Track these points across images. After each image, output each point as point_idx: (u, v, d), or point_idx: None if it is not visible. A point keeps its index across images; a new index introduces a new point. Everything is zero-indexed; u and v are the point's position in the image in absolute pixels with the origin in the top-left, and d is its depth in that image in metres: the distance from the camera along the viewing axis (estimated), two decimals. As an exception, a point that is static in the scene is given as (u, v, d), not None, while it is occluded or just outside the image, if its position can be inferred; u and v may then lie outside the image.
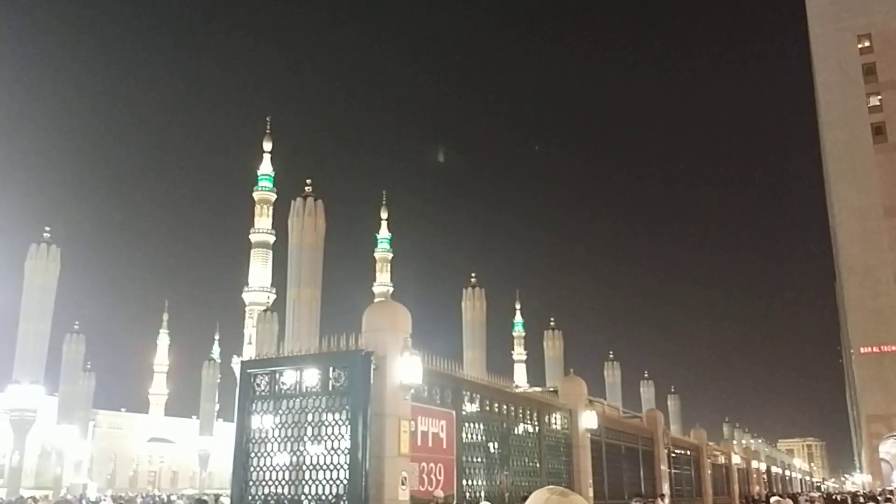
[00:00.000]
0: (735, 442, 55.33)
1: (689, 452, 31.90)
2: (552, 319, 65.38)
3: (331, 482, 11.66)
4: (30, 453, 52.65)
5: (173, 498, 41.51)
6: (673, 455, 28.67)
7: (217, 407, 76.07)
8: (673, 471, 28.21)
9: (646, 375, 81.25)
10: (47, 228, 44.71)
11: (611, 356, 74.39)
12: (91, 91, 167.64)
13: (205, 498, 21.00)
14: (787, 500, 27.09)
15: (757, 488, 45.60)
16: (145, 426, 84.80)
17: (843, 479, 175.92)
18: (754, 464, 47.66)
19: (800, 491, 69.27)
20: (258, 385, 12.80)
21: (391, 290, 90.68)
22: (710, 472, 33.65)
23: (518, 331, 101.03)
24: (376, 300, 74.09)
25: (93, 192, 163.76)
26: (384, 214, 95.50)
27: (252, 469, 12.41)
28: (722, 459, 38.05)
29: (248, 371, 13.12)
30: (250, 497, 12.09)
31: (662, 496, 24.22)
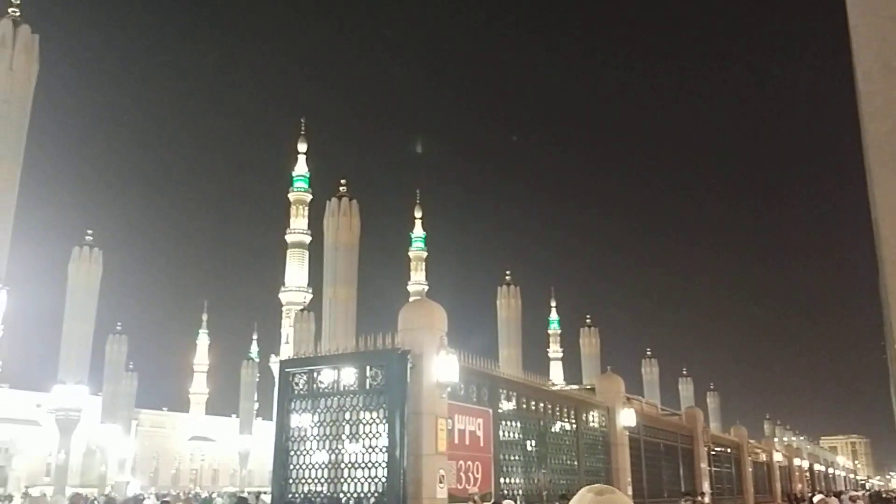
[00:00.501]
0: (776, 439, 54.54)
1: (729, 450, 31.50)
2: (588, 317, 65.06)
3: (369, 480, 11.75)
4: (75, 452, 53.83)
5: (214, 496, 42.15)
6: (713, 453, 28.32)
7: (256, 406, 77.00)
8: (713, 469, 27.87)
9: (684, 372, 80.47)
10: (89, 232, 45.73)
11: (648, 353, 73.78)
12: (129, 96, 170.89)
13: (245, 496, 21.32)
14: (833, 498, 26.61)
15: (799, 486, 44.85)
16: (186, 425, 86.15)
17: (888, 476, 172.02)
18: (796, 461, 46.87)
19: (843, 489, 67.95)
20: (296, 384, 12.95)
21: (426, 288, 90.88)
22: (751, 469, 33.18)
23: (554, 328, 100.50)
24: (411, 299, 74.35)
25: (133, 196, 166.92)
26: (418, 213, 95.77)
27: (292, 467, 12.56)
28: (763, 457, 37.49)
29: (287, 370, 13.29)
30: (290, 495, 12.23)
31: (703, 494, 23.94)
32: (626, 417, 19.46)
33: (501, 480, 14.04)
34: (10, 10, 23.26)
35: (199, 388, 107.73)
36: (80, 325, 43.37)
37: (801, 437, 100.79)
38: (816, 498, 23.52)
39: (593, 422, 18.65)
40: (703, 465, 26.34)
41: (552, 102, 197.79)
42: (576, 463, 17.19)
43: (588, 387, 22.47)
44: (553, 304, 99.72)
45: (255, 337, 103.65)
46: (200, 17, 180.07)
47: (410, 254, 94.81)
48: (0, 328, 33.30)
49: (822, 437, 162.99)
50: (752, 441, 35.98)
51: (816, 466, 60.26)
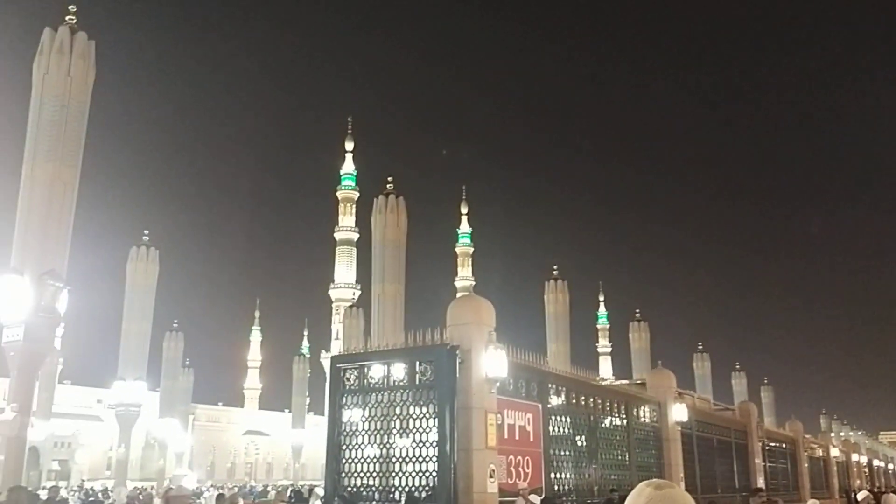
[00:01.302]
0: (833, 434, 53.11)
1: (784, 445, 30.90)
2: (637, 311, 64.30)
3: (419, 474, 11.89)
4: (135, 446, 55.34)
5: (269, 489, 42.96)
6: (768, 448, 27.83)
7: (307, 401, 78.14)
8: (768, 464, 27.38)
9: (737, 367, 78.94)
10: (146, 232, 46.89)
11: (699, 347, 72.59)
12: (182, 99, 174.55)
13: (301, 489, 21.76)
14: (891, 495, 25.94)
15: (858, 482, 43.69)
16: (241, 419, 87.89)
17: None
18: (854, 457, 45.70)
19: (906, 486, 65.87)
20: (347, 379, 13.16)
21: (473, 284, 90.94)
22: (807, 465, 32.50)
23: (602, 323, 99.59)
24: (459, 295, 74.47)
25: (188, 197, 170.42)
26: (464, 209, 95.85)
27: (344, 461, 12.78)
28: (820, 452, 36.67)
29: (338, 366, 13.51)
30: (343, 488, 12.44)
31: (757, 490, 23.56)
32: (678, 412, 19.27)
33: (552, 475, 14.06)
34: (66, 17, 23.94)
35: (252, 383, 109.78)
36: (139, 323, 44.51)
37: (859, 433, 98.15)
38: (861, 494, 22.89)
39: (644, 417, 18.51)
40: (758, 461, 25.90)
41: (601, 97, 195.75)
42: (627, 458, 17.10)
43: (638, 382, 22.30)
44: (601, 298, 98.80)
45: (305, 333, 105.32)
46: (251, 20, 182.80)
47: (457, 250, 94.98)
48: (62, 327, 34.46)
49: (882, 433, 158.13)
50: (807, 436, 35.19)
51: (875, 462, 58.61)
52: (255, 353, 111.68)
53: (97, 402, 68.97)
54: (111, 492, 38.45)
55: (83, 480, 47.76)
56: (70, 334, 59.16)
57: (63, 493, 25.53)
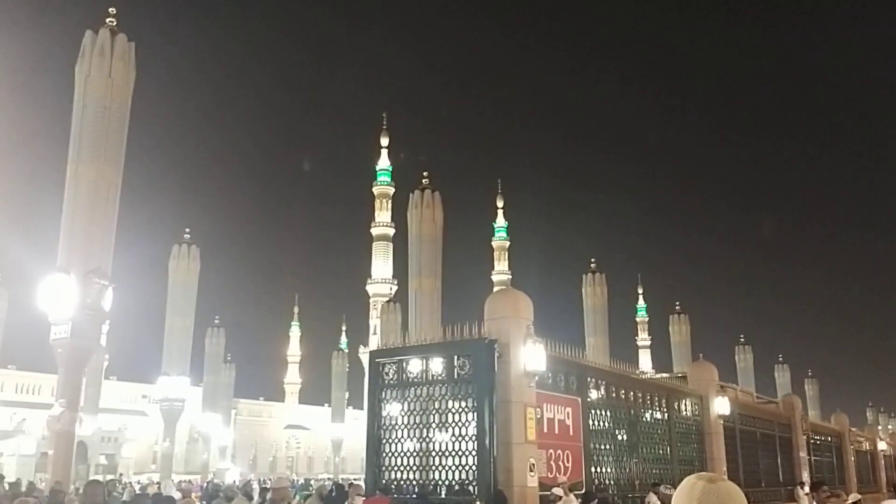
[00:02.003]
0: (880, 427, 52.00)
1: (829, 439, 30.36)
2: (677, 303, 63.47)
3: (459, 468, 11.92)
4: (179, 440, 56.37)
5: (311, 482, 43.44)
6: (812, 442, 27.36)
7: (346, 395, 78.74)
8: (813, 458, 26.92)
9: (780, 359, 77.59)
10: (187, 230, 47.58)
11: (741, 340, 71.48)
12: (220, 98, 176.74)
13: (342, 482, 21.96)
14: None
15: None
16: (282, 414, 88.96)
17: None
18: (904, 451, 44.66)
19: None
20: (386, 374, 13.24)
21: (509, 278, 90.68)
22: (853, 459, 31.86)
23: (641, 316, 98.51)
24: (495, 289, 74.29)
25: (227, 195, 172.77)
26: (500, 203, 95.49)
27: (384, 455, 12.87)
28: (866, 446, 35.93)
29: (377, 360, 13.60)
30: (384, 481, 12.53)
31: (802, 484, 23.16)
32: (721, 406, 19.04)
33: (592, 470, 13.98)
34: (107, 20, 24.33)
35: (292, 378, 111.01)
36: (181, 319, 45.22)
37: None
38: None
39: (686, 410, 18.32)
40: (803, 454, 25.48)
41: (639, 85, 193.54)
42: (668, 452, 16.94)
43: (679, 375, 22.07)
44: (640, 291, 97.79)
45: (343, 328, 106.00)
46: (289, 18, 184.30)
47: (493, 244, 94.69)
48: (107, 324, 35.19)
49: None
50: (853, 429, 34.51)
51: (927, 456, 57.18)
52: (294, 349, 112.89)
53: (142, 397, 70.40)
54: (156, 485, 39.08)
55: (120, 475, 48.73)
56: (115, 331, 60.51)
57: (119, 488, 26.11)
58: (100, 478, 47.03)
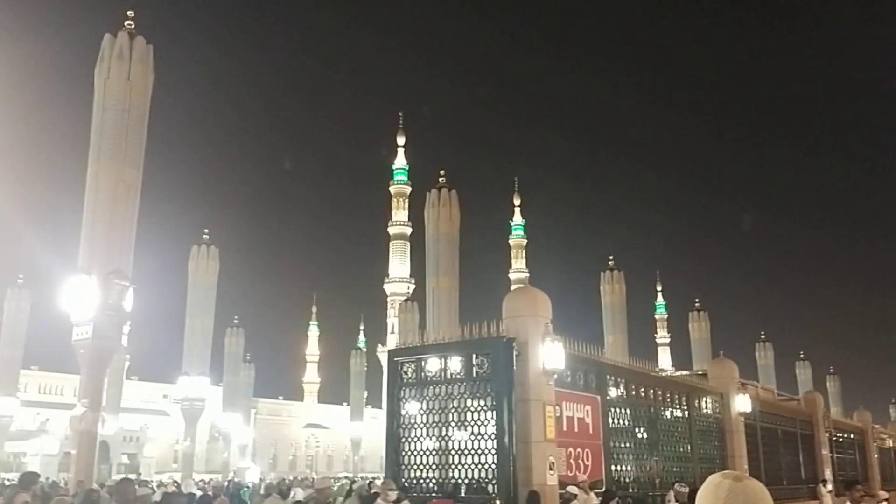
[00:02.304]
0: (905, 425, 51.26)
1: (852, 436, 30.06)
2: (697, 300, 63.09)
3: (479, 466, 11.92)
4: (200, 439, 56.80)
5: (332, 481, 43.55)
6: (835, 439, 27.09)
7: (365, 394, 79.02)
8: (835, 455, 26.67)
9: (801, 356, 76.84)
10: (206, 230, 47.94)
11: (762, 336, 70.94)
12: (236, 99, 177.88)
13: (362, 482, 22.12)
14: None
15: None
16: (301, 413, 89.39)
17: None
18: (929, 448, 44.08)
19: None
20: (405, 373, 13.26)
21: (527, 276, 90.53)
22: (876, 456, 31.53)
23: (660, 313, 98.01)
24: (513, 287, 74.24)
25: (245, 196, 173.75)
26: (517, 201, 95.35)
27: (403, 454, 12.89)
28: (890, 443, 35.52)
29: (395, 359, 13.62)
30: (403, 480, 12.56)
31: (824, 481, 22.96)
32: (742, 403, 18.91)
33: (612, 468, 13.93)
34: (125, 23, 24.54)
35: (311, 377, 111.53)
36: (201, 319, 45.57)
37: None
38: None
39: (706, 408, 18.21)
40: (825, 452, 25.24)
41: (656, 83, 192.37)
42: (689, 450, 16.85)
43: (699, 372, 21.95)
44: (659, 288, 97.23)
45: (361, 327, 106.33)
46: (303, 17, 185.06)
47: (511, 241, 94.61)
48: (128, 325, 35.50)
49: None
50: (877, 426, 34.12)
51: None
52: (313, 348, 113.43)
53: (163, 397, 70.97)
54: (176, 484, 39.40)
55: (139, 475, 49.22)
56: (136, 332, 60.91)
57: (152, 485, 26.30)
58: (133, 476, 47.58)
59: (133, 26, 24.52)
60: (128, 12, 24.71)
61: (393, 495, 9.80)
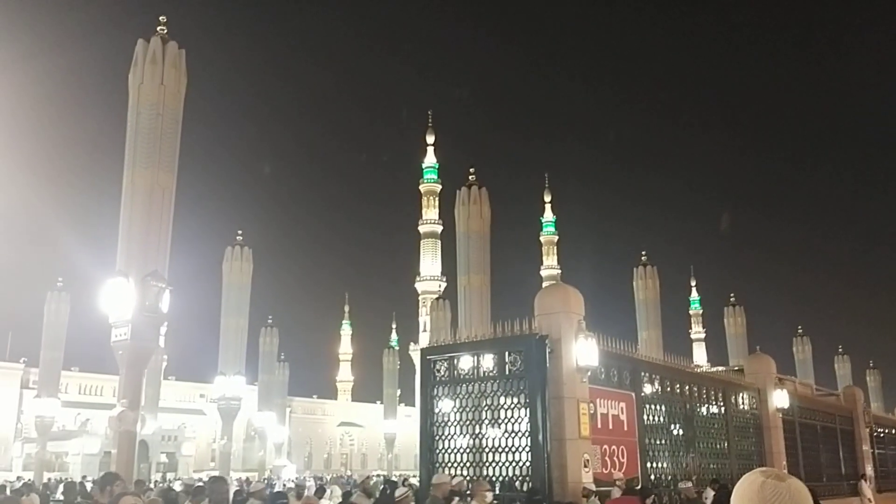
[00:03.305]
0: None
1: (894, 431, 29.47)
2: (732, 295, 62.24)
3: (512, 464, 11.91)
4: (236, 438, 57.48)
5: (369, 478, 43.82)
6: (876, 434, 26.59)
7: (398, 392, 79.36)
8: (877, 451, 26.17)
9: (840, 350, 75.42)
10: (240, 232, 48.43)
11: (799, 331, 69.72)
12: (268, 101, 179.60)
13: (394, 479, 22.21)
14: None
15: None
16: (335, 411, 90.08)
17: None
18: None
19: None
20: (438, 371, 13.30)
21: (559, 272, 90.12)
22: (921, 452, 30.85)
23: (695, 308, 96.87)
24: (545, 284, 73.93)
25: (277, 196, 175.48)
26: (547, 197, 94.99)
27: (437, 451, 12.93)
28: (934, 439, 34.72)
29: (428, 358, 13.66)
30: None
31: (865, 477, 22.55)
32: (779, 399, 18.65)
33: (648, 465, 13.83)
34: (158, 28, 24.86)
35: (344, 376, 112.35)
36: (236, 319, 46.06)
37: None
38: None
39: (743, 404, 18.00)
40: (866, 448, 24.79)
41: (692, 77, 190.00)
42: (726, 447, 16.66)
43: (735, 368, 21.69)
44: (693, 283, 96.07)
45: (394, 326, 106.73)
46: (333, 18, 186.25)
47: (542, 238, 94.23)
48: (165, 326, 36.00)
49: None
50: (921, 421, 33.38)
51: None
52: (346, 347, 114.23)
53: (200, 396, 72.03)
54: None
55: (163, 474, 49.92)
56: (173, 332, 62.07)
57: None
58: (157, 476, 48.38)
59: (165, 31, 24.82)
60: (160, 18, 25.04)
61: (489, 496, 9.73)
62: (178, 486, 25.38)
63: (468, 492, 10.55)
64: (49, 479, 36.03)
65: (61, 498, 26.48)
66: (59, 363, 51.33)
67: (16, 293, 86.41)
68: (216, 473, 47.64)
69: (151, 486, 27.99)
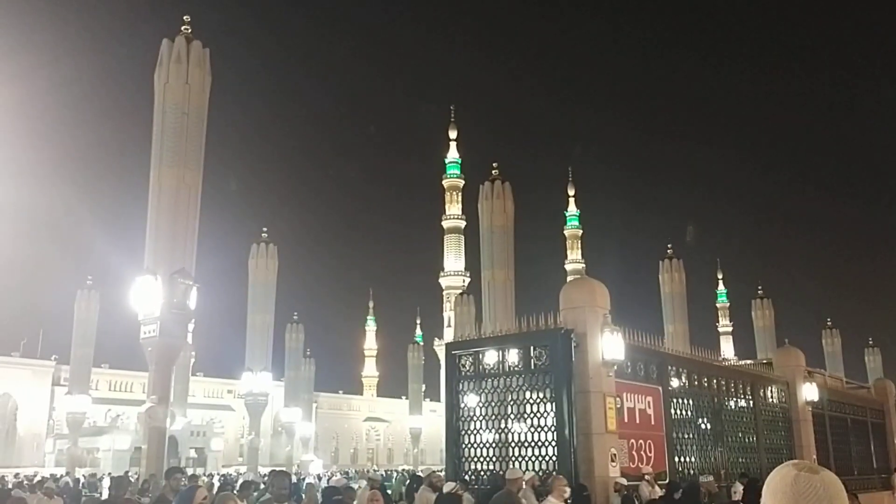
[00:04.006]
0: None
1: (928, 425, 28.95)
2: (760, 287, 61.57)
3: (539, 459, 11.89)
4: (264, 433, 58.01)
5: (393, 473, 44.06)
6: (909, 427, 26.15)
7: (423, 387, 79.58)
8: (910, 445, 25.75)
9: (870, 342, 74.28)
10: (265, 229, 48.80)
11: (829, 323, 68.79)
12: (293, 98, 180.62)
13: (419, 474, 22.25)
14: None
15: None
16: (361, 406, 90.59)
17: None
18: None
19: None
20: (463, 366, 13.31)
21: (583, 266, 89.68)
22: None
23: (722, 301, 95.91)
24: (569, 278, 73.60)
25: (302, 194, 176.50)
26: (571, 191, 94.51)
27: (463, 446, 12.95)
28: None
29: (453, 353, 13.68)
30: (463, 472, 12.61)
31: (898, 472, 22.20)
32: (809, 392, 18.44)
33: (675, 459, 13.74)
34: (182, 28, 25.07)
35: (370, 371, 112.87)
36: (262, 316, 46.46)
37: None
38: None
39: (772, 397, 17.82)
40: (899, 441, 24.43)
41: (716, 71, 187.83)
42: (755, 440, 16.51)
43: (764, 361, 21.49)
44: (720, 276, 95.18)
45: (418, 321, 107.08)
46: (356, 15, 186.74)
47: (566, 232, 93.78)
48: (193, 322, 36.40)
49: None
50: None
51: None
52: (371, 342, 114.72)
53: (227, 392, 72.74)
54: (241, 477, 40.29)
55: (184, 468, 50.50)
56: (200, 329, 62.57)
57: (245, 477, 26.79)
58: (188, 471, 48.86)
59: (189, 31, 25.04)
60: (184, 17, 25.26)
61: (567, 491, 9.70)
62: (215, 481, 25.67)
63: (540, 486, 10.55)
64: (81, 478, 36.49)
65: (95, 495, 26.86)
66: (90, 360, 52.14)
67: (46, 292, 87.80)
68: (244, 468, 48.16)
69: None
